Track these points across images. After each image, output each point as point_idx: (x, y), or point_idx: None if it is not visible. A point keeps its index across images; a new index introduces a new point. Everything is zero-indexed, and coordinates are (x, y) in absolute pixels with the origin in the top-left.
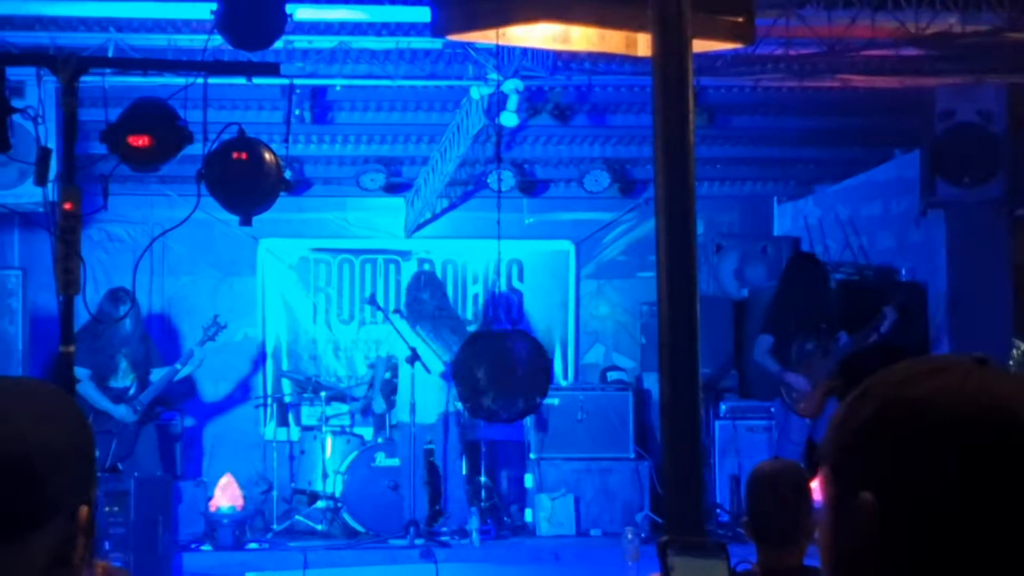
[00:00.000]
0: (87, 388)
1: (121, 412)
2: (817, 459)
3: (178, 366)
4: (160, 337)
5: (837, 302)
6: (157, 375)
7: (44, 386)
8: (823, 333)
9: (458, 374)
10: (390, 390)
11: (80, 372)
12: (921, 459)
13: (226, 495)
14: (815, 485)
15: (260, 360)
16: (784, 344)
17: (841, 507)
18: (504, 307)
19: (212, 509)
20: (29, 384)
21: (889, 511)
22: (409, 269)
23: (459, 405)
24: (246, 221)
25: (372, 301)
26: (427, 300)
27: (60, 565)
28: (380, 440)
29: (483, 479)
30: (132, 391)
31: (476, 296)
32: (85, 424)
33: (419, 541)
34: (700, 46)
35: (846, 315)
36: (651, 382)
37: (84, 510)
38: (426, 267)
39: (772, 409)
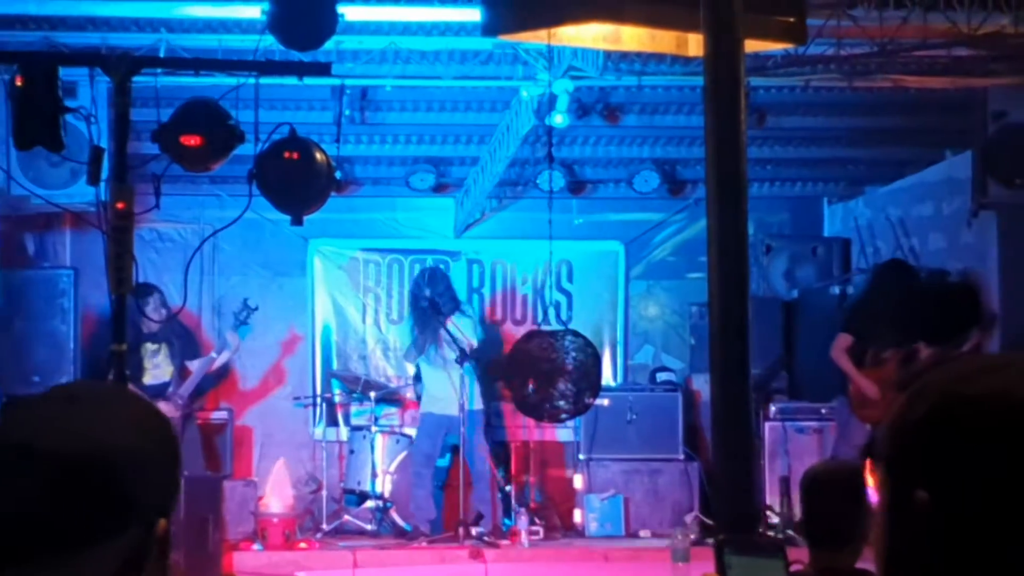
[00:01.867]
0: None
1: (162, 409)
2: (872, 457)
3: (214, 354)
4: (210, 336)
5: (923, 312)
6: (194, 365)
7: (132, 394)
8: (904, 341)
9: (509, 372)
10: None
11: None
12: (976, 457)
13: (276, 494)
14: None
15: (310, 360)
16: (862, 346)
17: (896, 506)
18: (554, 307)
19: (262, 508)
20: (118, 391)
21: (944, 510)
22: (459, 269)
23: (492, 404)
24: (297, 221)
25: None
26: (429, 297)
27: (131, 572)
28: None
29: (528, 478)
30: (171, 387)
31: (526, 297)
32: (171, 435)
33: (468, 541)
34: (752, 46)
35: (930, 326)
36: (700, 383)
37: (163, 523)
38: (474, 268)
39: (823, 411)
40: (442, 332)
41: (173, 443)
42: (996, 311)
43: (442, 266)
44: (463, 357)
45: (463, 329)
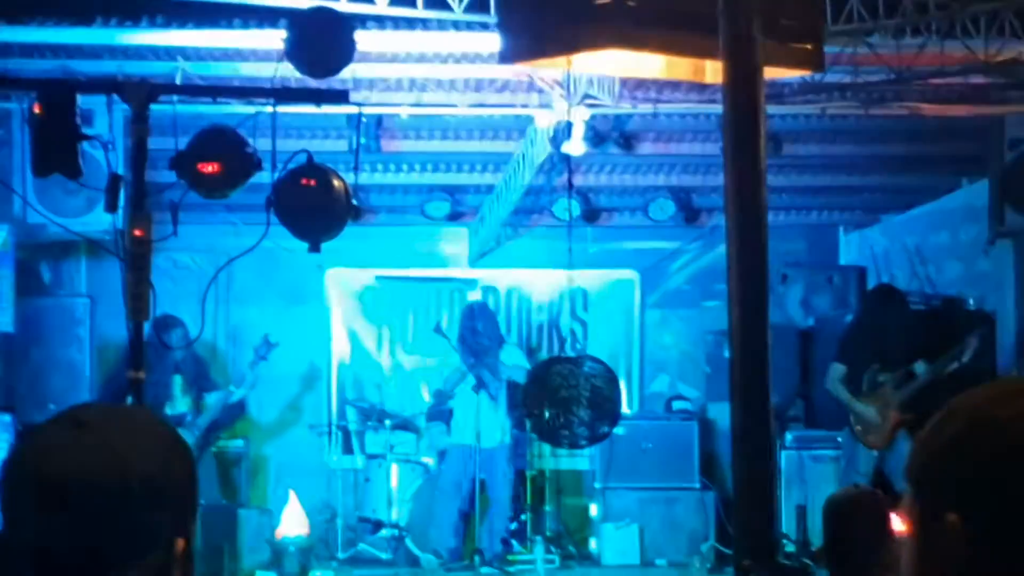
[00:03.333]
0: None
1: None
2: (896, 488)
3: (232, 388)
4: (225, 364)
5: (914, 332)
6: (212, 398)
7: (151, 417)
8: (898, 364)
9: (528, 400)
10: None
11: None
12: (1008, 479)
13: (292, 522)
14: (893, 516)
15: (325, 388)
16: (857, 374)
17: (926, 529)
18: (569, 336)
19: (278, 537)
20: (137, 414)
21: (975, 532)
22: (474, 297)
23: (512, 432)
24: (315, 248)
25: (438, 330)
26: (480, 331)
27: None
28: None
29: (548, 507)
30: (188, 416)
31: (541, 325)
32: (189, 458)
33: (484, 570)
34: (769, 73)
35: (923, 344)
36: (716, 412)
37: (181, 543)
38: (489, 296)
39: (839, 439)
40: (492, 364)
41: (189, 462)
42: (989, 313)
43: (458, 295)
44: (511, 387)
45: (515, 359)
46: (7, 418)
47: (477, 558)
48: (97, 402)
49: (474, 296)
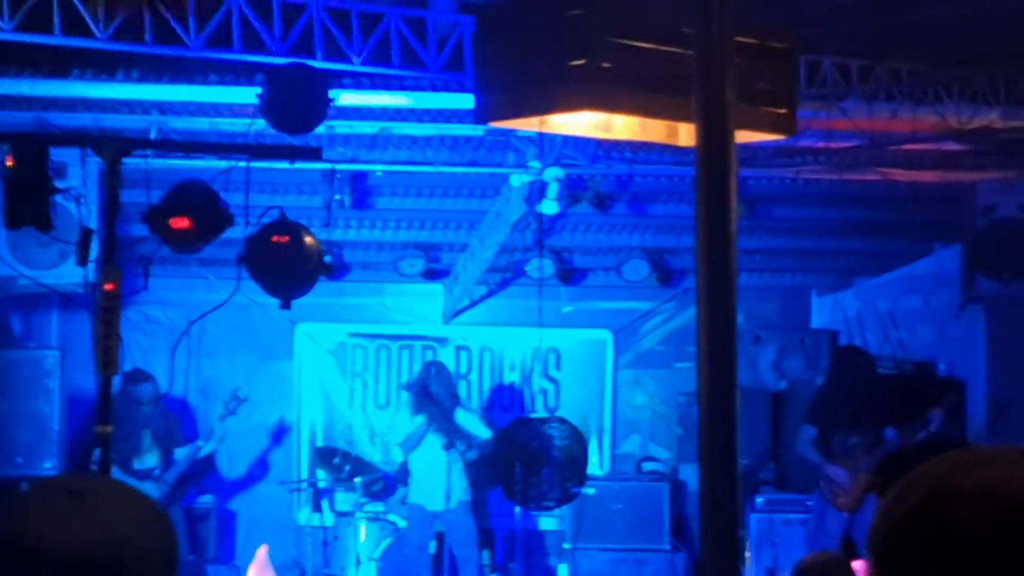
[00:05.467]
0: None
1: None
2: (863, 551)
3: (200, 443)
4: (195, 418)
5: (883, 397)
6: (180, 453)
7: (132, 489)
8: (867, 427)
9: (497, 460)
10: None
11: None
12: (969, 550)
13: None
14: None
15: (295, 444)
16: (827, 436)
17: None
18: (540, 395)
19: None
20: (123, 486)
21: None
22: (447, 355)
23: (479, 491)
24: (285, 305)
25: (409, 387)
26: (436, 392)
27: None
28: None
29: (514, 567)
30: (157, 471)
31: (513, 384)
32: (172, 530)
33: None
34: (741, 137)
35: (891, 410)
36: (687, 473)
37: None
38: (461, 354)
39: (809, 503)
40: (448, 425)
41: (174, 538)
42: (960, 379)
43: (430, 353)
44: (468, 447)
45: (470, 423)
46: None
47: None
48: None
49: (437, 355)
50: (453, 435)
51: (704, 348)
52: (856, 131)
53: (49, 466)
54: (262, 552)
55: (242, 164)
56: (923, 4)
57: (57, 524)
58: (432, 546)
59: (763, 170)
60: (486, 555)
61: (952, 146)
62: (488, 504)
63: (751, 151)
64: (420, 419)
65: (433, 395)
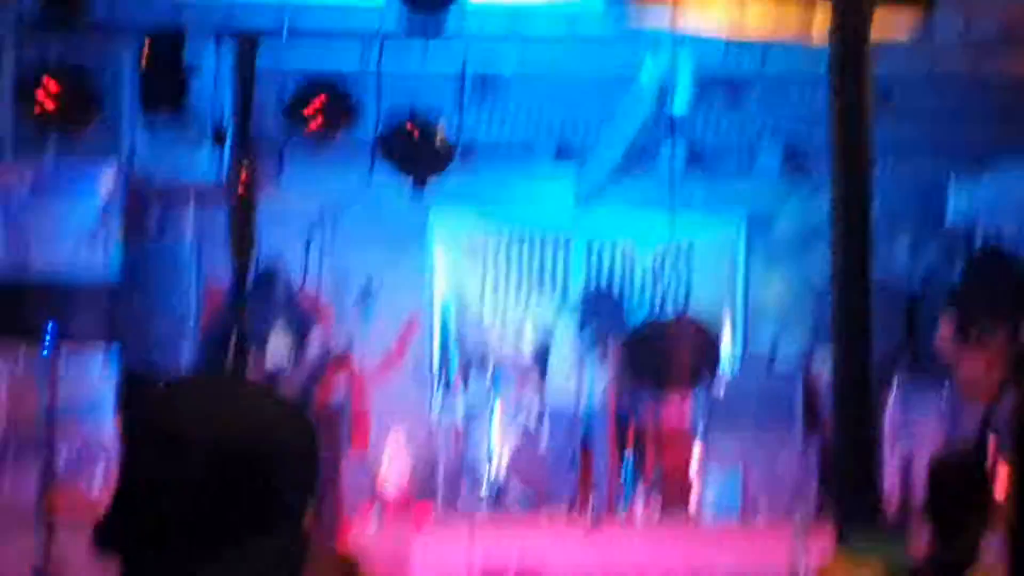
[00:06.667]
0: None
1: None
2: (1000, 444)
3: (333, 335)
4: (329, 310)
5: (1021, 290)
6: (314, 345)
7: (274, 389)
8: (1005, 321)
9: (632, 352)
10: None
11: None
12: None
13: (394, 469)
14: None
15: (428, 334)
16: (964, 330)
17: None
18: (673, 287)
19: (379, 484)
20: (272, 390)
21: None
22: (578, 247)
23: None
24: (419, 184)
25: (539, 277)
26: (603, 317)
27: (285, 570)
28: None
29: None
30: (290, 363)
31: (644, 274)
32: (312, 428)
33: (587, 516)
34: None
35: None
36: (820, 364)
37: (307, 521)
38: (593, 243)
39: (944, 394)
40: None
41: (314, 434)
42: None
43: (560, 243)
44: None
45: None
46: (113, 362)
47: (579, 503)
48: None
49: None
50: (593, 330)
51: (838, 239)
52: (993, 19)
53: (185, 359)
54: (396, 441)
55: (377, 52)
56: None
57: (203, 416)
58: (567, 440)
59: (899, 60)
60: (620, 448)
61: None
62: (623, 398)
63: (887, 39)
64: (585, 332)
65: (602, 314)
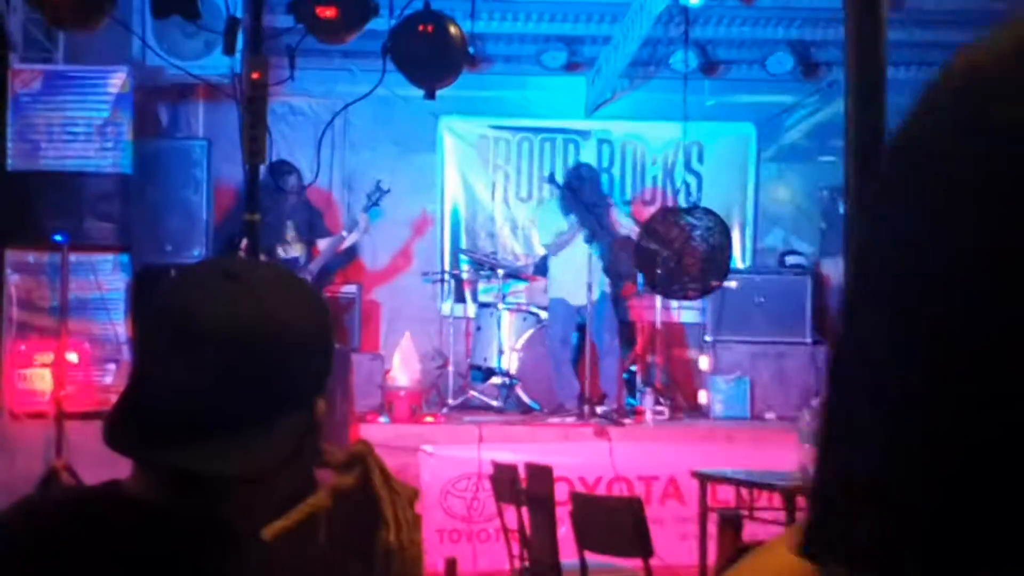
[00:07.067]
0: None
1: None
2: None
3: (344, 233)
4: (339, 209)
5: None
6: (324, 244)
7: (292, 275)
8: None
9: (639, 252)
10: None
11: None
12: None
13: (403, 368)
14: None
15: (438, 236)
16: None
17: None
18: (683, 188)
19: (389, 382)
20: (279, 271)
21: None
22: (589, 148)
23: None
24: (430, 95)
25: (551, 180)
26: (587, 194)
27: (297, 457)
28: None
29: (654, 359)
30: (301, 261)
31: (655, 177)
32: (329, 316)
33: (595, 420)
34: None
35: None
36: (830, 267)
37: (321, 404)
38: (603, 147)
39: None
40: (597, 225)
41: (330, 322)
42: None
43: (572, 147)
44: (611, 240)
45: (615, 217)
46: (125, 258)
47: (587, 408)
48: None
49: (579, 148)
50: (599, 231)
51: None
52: None
53: (197, 254)
54: (406, 340)
55: None
56: None
57: (217, 304)
58: (574, 337)
59: None
60: (627, 347)
61: None
62: (629, 296)
63: None
64: (571, 219)
65: (584, 199)
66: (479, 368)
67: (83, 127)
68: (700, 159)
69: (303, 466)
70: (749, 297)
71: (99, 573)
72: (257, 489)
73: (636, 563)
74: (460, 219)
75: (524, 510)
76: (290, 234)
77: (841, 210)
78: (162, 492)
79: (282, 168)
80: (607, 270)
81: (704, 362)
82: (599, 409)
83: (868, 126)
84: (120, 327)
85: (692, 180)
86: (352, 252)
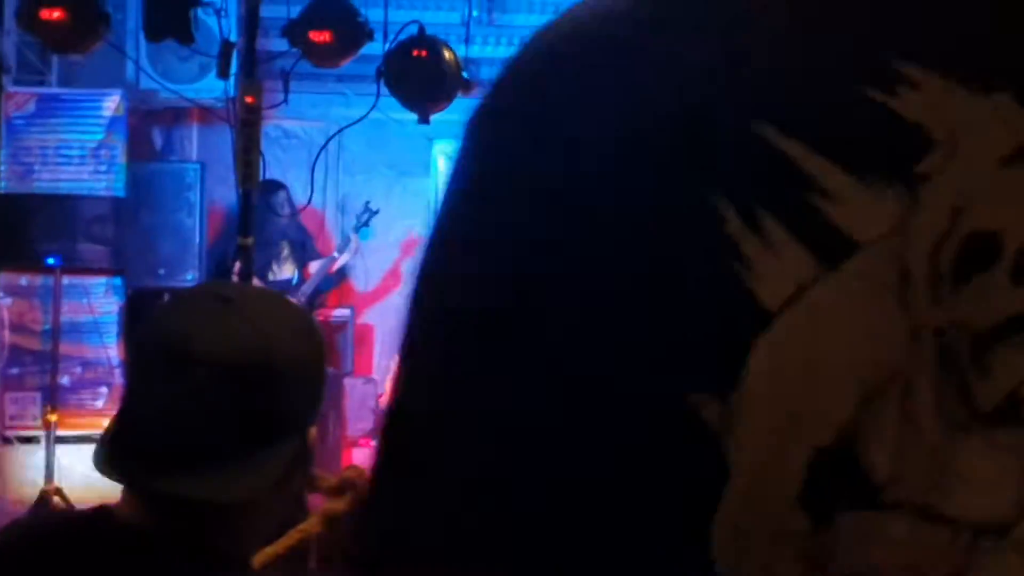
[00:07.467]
0: None
1: None
2: None
3: (335, 254)
4: (331, 233)
5: None
6: (316, 266)
7: (284, 299)
8: None
9: None
10: None
11: None
12: None
13: None
14: None
15: None
16: None
17: None
18: None
19: (382, 406)
20: (272, 295)
21: None
22: None
23: None
24: (424, 119)
25: None
26: None
27: (285, 485)
28: None
29: None
30: (294, 282)
31: None
32: (321, 340)
33: None
34: None
35: None
36: None
37: (312, 431)
38: None
39: None
40: None
41: (322, 346)
42: None
43: None
44: None
45: None
46: (118, 281)
47: None
48: (236, 282)
49: None
50: None
51: None
52: None
53: (191, 277)
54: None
55: None
56: None
57: (209, 328)
58: None
59: None
60: None
61: None
62: None
63: None
64: None
65: None
66: None
67: (77, 150)
68: None
69: (294, 492)
70: None
71: None
72: (248, 515)
73: None
74: None
75: None
76: (283, 255)
77: None
78: (152, 517)
79: (273, 187)
80: None
81: None
82: None
83: None
84: (112, 351)
85: None
86: (343, 272)
